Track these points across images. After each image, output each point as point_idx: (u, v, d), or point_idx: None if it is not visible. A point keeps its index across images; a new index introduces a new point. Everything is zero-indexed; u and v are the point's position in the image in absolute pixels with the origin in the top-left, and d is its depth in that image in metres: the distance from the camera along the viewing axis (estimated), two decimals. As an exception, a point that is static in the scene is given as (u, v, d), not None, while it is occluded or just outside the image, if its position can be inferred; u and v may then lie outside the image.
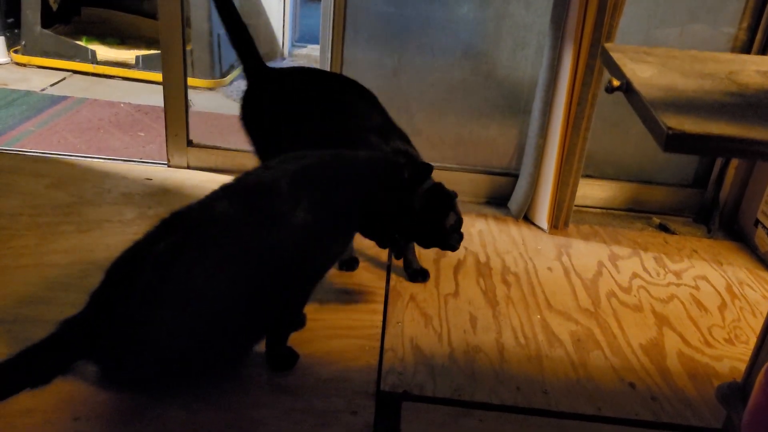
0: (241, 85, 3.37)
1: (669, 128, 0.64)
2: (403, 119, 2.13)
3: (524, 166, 2.05)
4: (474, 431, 1.23)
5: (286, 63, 3.82)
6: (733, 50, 2.02)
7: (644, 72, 0.82)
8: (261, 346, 1.32)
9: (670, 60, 0.89)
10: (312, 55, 3.94)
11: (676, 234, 2.08)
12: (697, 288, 1.78)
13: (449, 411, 1.27)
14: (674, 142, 0.64)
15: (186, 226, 1.20)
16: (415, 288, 1.65)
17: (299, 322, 1.44)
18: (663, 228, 2.11)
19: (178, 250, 1.16)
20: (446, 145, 2.21)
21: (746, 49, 2.00)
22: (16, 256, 1.59)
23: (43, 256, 1.61)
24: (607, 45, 0.95)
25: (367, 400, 1.28)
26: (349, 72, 2.08)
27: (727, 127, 0.65)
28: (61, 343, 1.18)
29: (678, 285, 1.79)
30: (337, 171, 1.29)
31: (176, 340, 1.17)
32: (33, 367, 1.17)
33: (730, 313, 1.68)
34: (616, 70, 0.85)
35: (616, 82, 0.83)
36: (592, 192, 2.20)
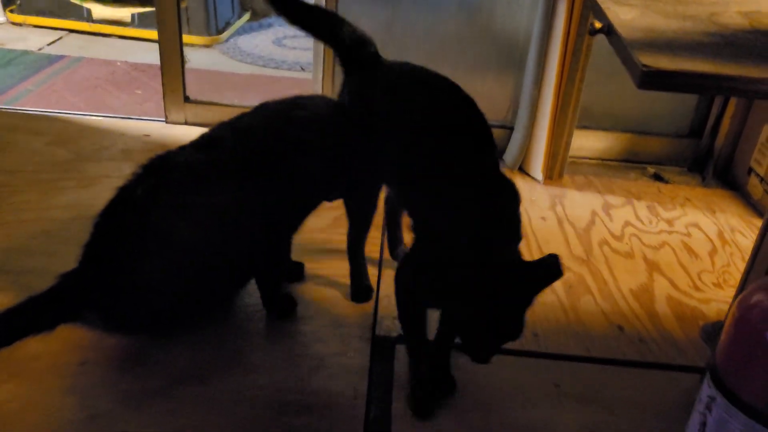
0: (238, 41, 3.37)
1: (644, 65, 0.66)
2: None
3: (519, 118, 2.07)
4: (464, 371, 1.27)
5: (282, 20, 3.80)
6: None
7: (626, 14, 0.84)
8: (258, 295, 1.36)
9: (653, 3, 0.90)
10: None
11: (670, 183, 2.11)
12: (688, 235, 1.81)
13: (442, 353, 1.31)
14: (648, 78, 0.66)
15: (162, 170, 1.22)
16: (410, 236, 1.68)
17: (296, 271, 1.48)
18: (657, 177, 2.13)
19: (155, 193, 1.19)
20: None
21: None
22: (19, 211, 1.63)
23: (45, 211, 1.64)
24: (592, -12, 0.96)
25: (362, 344, 1.32)
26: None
27: (702, 64, 0.67)
28: (61, 295, 1.22)
29: (670, 232, 1.82)
30: (301, 118, 1.29)
31: (159, 281, 1.20)
32: (36, 315, 1.21)
33: (720, 259, 1.71)
34: (599, 13, 0.87)
35: (598, 25, 0.85)
36: (587, 143, 2.22)
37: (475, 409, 1.19)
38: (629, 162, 2.22)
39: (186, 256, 1.20)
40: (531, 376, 1.28)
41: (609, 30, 0.81)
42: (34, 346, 1.21)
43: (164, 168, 1.21)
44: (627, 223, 1.84)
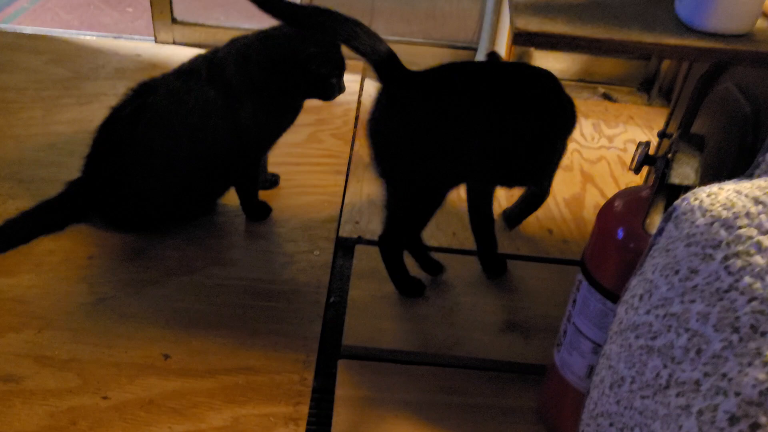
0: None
1: (516, 28, 0.86)
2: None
3: (481, 40, 2.24)
4: (412, 268, 1.51)
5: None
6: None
7: (524, -25, 1.03)
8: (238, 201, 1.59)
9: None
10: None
11: (618, 102, 2.31)
12: (624, 150, 2.03)
13: (394, 251, 1.55)
14: (519, 39, 0.86)
15: (146, 93, 1.43)
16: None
17: (272, 181, 1.70)
18: (606, 97, 2.33)
19: (140, 112, 1.41)
20: (416, 20, 2.38)
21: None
22: (26, 126, 1.83)
23: (50, 126, 1.84)
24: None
25: (327, 243, 1.56)
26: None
27: (561, 26, 0.87)
28: (68, 200, 1.47)
29: (608, 148, 2.03)
30: (261, 48, 1.42)
31: (144, 186, 1.44)
32: (48, 217, 1.46)
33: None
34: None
35: (499, -16, 1.03)
36: (546, 63, 2.39)
37: (417, 296, 1.44)
38: (584, 82, 2.41)
39: (167, 165, 1.42)
40: (463, 270, 1.52)
41: (507, -10, 0.99)
42: (48, 243, 1.45)
43: (148, 92, 1.42)
44: (571, 139, 2.04)
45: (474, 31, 2.38)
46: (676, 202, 0.74)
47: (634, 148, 1.80)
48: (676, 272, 0.68)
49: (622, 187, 1.86)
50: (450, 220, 1.66)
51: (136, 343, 1.27)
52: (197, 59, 1.47)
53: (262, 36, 1.45)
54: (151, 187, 1.44)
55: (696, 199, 0.71)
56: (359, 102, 2.11)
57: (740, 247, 0.62)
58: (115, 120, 1.43)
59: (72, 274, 1.40)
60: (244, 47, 1.44)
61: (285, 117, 1.51)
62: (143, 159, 1.42)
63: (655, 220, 0.87)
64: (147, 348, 1.26)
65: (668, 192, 0.87)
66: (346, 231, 1.60)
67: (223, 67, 1.41)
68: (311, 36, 1.40)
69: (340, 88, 1.46)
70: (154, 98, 1.41)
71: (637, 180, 1.89)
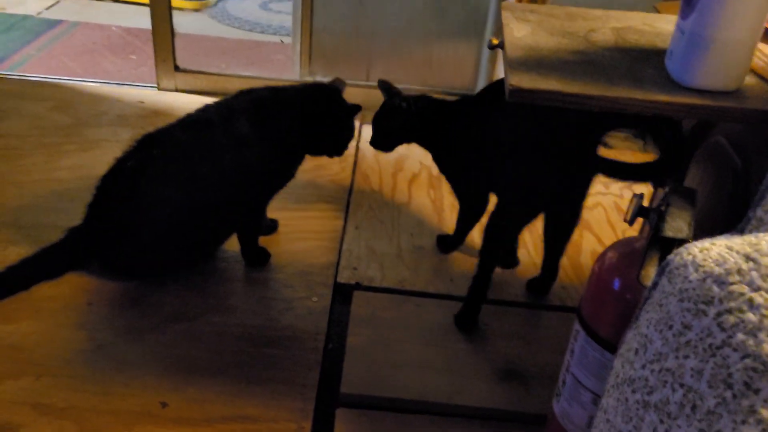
0: (227, 5, 3.54)
1: (510, 84, 0.88)
2: (369, 43, 2.35)
3: (478, 88, 2.28)
4: (411, 313, 1.52)
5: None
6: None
7: (520, 31, 1.05)
8: (238, 248, 1.60)
9: (547, 19, 1.11)
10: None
11: (614, 148, 2.33)
12: (621, 197, 2.05)
13: (392, 298, 1.56)
14: (514, 95, 0.88)
15: (151, 145, 1.45)
16: (373, 198, 1.91)
17: (270, 227, 1.71)
18: (603, 143, 2.35)
19: (143, 166, 1.42)
20: (413, 67, 2.42)
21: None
22: (28, 172, 1.85)
23: (52, 172, 1.86)
24: (503, 3, 1.17)
25: (326, 289, 1.56)
26: (319, 1, 2.28)
27: (554, 83, 0.89)
28: (68, 246, 1.48)
29: (604, 194, 2.05)
30: (273, 103, 1.51)
31: (146, 237, 1.45)
32: (48, 263, 1.46)
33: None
34: (501, 29, 1.08)
35: (495, 41, 1.06)
36: (542, 111, 2.43)
37: (416, 340, 1.44)
38: (580, 128, 2.43)
39: (169, 217, 1.43)
40: (464, 317, 1.52)
41: (502, 46, 1.02)
42: (48, 289, 1.45)
43: (153, 144, 1.44)
44: (568, 186, 2.07)
45: (470, 79, 2.42)
46: (669, 257, 0.75)
47: (630, 194, 1.82)
48: (670, 327, 0.69)
49: (619, 233, 1.88)
50: (448, 267, 1.67)
51: (134, 391, 1.27)
52: (207, 109, 1.49)
53: (280, 91, 1.53)
54: (157, 237, 1.45)
55: (689, 254, 0.72)
56: (357, 148, 2.14)
57: (732, 304, 0.63)
58: (120, 171, 1.44)
59: (71, 321, 1.41)
60: (263, 99, 1.50)
61: (294, 165, 1.56)
62: (149, 210, 1.43)
63: (649, 273, 0.88)
64: (145, 396, 1.26)
65: (662, 244, 0.89)
66: (344, 277, 1.61)
67: (239, 118, 1.45)
68: (330, 94, 1.55)
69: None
70: (159, 150, 1.43)
71: (634, 228, 1.90)
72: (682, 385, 0.65)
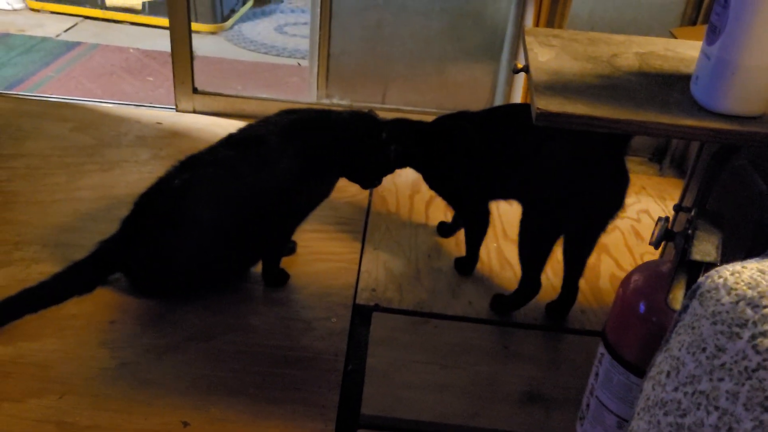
0: (242, 28, 3.58)
1: (538, 108, 0.89)
2: (385, 66, 2.37)
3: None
4: (430, 335, 1.52)
5: (284, 6, 4.01)
6: None
7: (544, 56, 1.07)
8: (258, 268, 1.61)
9: (570, 43, 1.13)
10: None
11: (630, 172, 2.34)
12: (638, 220, 2.05)
13: (411, 320, 1.56)
14: (541, 118, 0.89)
15: (195, 166, 1.47)
16: (391, 220, 1.92)
17: (290, 249, 1.72)
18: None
19: (188, 185, 1.44)
20: (428, 90, 2.45)
21: None
22: (51, 192, 1.87)
23: (73, 191, 1.88)
24: (526, 29, 1.19)
25: (344, 310, 1.57)
26: (337, 25, 2.31)
27: (581, 107, 0.90)
28: (100, 259, 1.50)
29: (622, 218, 2.05)
30: (319, 125, 1.54)
31: (185, 256, 1.47)
32: (78, 278, 1.48)
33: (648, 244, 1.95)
34: (525, 53, 1.10)
35: (519, 65, 1.08)
36: (557, 134, 2.45)
37: (435, 362, 1.44)
38: (595, 152, 2.44)
39: (208, 238, 1.45)
40: (481, 339, 1.53)
41: (527, 70, 1.04)
42: (71, 307, 1.47)
43: (196, 164, 1.45)
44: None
45: (486, 101, 2.44)
46: (700, 280, 0.75)
47: (647, 218, 1.83)
48: (703, 350, 0.69)
49: (637, 256, 1.88)
50: (466, 289, 1.67)
51: (156, 410, 1.27)
52: (250, 129, 1.52)
53: (323, 113, 1.57)
54: (188, 255, 1.47)
55: (720, 277, 0.73)
56: (375, 170, 2.15)
57: (767, 327, 0.64)
58: (163, 190, 1.46)
59: (94, 339, 1.42)
60: (305, 120, 1.53)
61: (331, 184, 1.59)
62: (186, 229, 1.44)
63: (677, 296, 0.89)
64: (167, 415, 1.26)
65: (690, 268, 0.89)
66: (362, 298, 1.62)
67: (283, 137, 1.47)
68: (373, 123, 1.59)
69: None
70: (204, 170, 1.45)
71: (652, 250, 1.91)
72: (717, 408, 0.65)
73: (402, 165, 1.63)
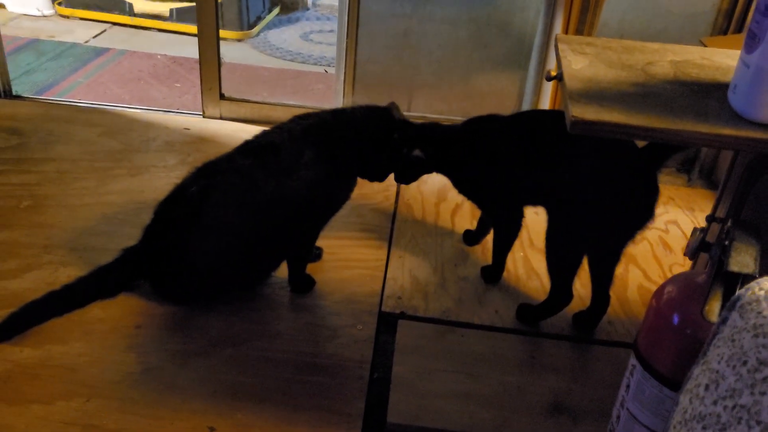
0: (268, 36, 3.60)
1: (573, 116, 0.88)
2: (412, 74, 2.37)
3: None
4: (456, 344, 1.51)
5: (310, 13, 4.03)
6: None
7: (578, 64, 1.06)
8: (284, 273, 1.61)
9: (604, 51, 1.12)
10: (335, 5, 4.12)
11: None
12: (666, 231, 2.03)
13: (437, 328, 1.55)
14: (577, 126, 0.88)
15: (213, 173, 1.48)
16: (416, 228, 1.91)
17: (315, 255, 1.72)
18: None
19: (206, 192, 1.44)
20: (454, 99, 2.44)
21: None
22: (80, 196, 1.89)
23: (102, 196, 1.90)
24: (558, 36, 1.17)
25: (370, 318, 1.56)
26: (364, 33, 2.31)
27: (618, 115, 0.89)
28: (123, 266, 1.50)
29: (650, 229, 2.02)
30: (334, 128, 1.53)
31: (205, 262, 1.47)
32: (103, 283, 1.49)
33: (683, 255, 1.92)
34: (558, 61, 1.09)
35: (553, 72, 1.07)
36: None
37: (462, 371, 1.43)
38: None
39: (228, 243, 1.45)
40: (508, 348, 1.51)
41: (561, 77, 1.03)
42: (98, 311, 1.48)
43: (214, 171, 1.46)
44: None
45: (512, 110, 2.43)
46: (740, 292, 0.74)
47: (676, 229, 1.81)
48: (744, 363, 0.68)
49: (665, 267, 1.85)
50: (493, 298, 1.66)
51: (182, 415, 1.27)
52: (265, 135, 1.52)
53: (336, 113, 1.57)
54: (209, 261, 1.47)
55: (761, 289, 0.71)
56: (400, 178, 2.15)
57: (812, 341, 0.62)
58: (181, 197, 1.47)
59: (120, 343, 1.42)
60: (320, 123, 1.52)
61: (351, 186, 1.59)
62: (210, 235, 1.45)
63: (714, 308, 0.87)
64: (193, 420, 1.26)
65: (726, 279, 0.88)
66: (388, 306, 1.61)
67: (298, 142, 1.47)
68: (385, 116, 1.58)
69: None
70: (222, 177, 1.45)
71: (680, 261, 1.88)
72: (759, 423, 0.64)
73: (429, 170, 1.62)
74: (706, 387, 0.73)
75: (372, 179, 1.60)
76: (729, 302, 0.75)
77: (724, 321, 0.76)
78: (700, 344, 0.91)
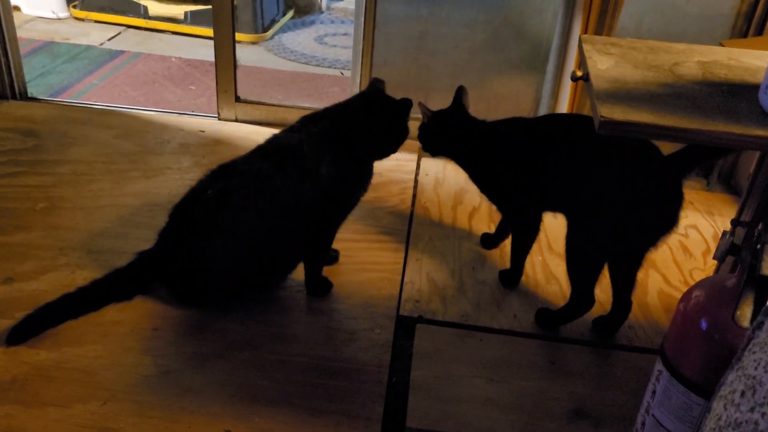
0: (282, 39, 3.60)
1: (601, 116, 0.86)
2: (429, 77, 2.36)
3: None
4: (474, 348, 1.49)
5: (324, 17, 4.02)
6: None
7: (603, 64, 1.04)
8: (301, 276, 1.59)
9: (629, 51, 1.10)
10: (349, 9, 4.13)
11: (676, 186, 2.29)
12: (686, 236, 2.00)
13: (455, 332, 1.54)
14: (605, 126, 0.86)
15: (230, 175, 1.46)
16: (434, 231, 1.90)
17: (332, 257, 1.71)
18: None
19: (223, 195, 1.43)
20: (469, 101, 2.41)
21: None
22: (96, 198, 1.88)
23: (118, 198, 1.90)
24: (583, 36, 1.16)
25: (388, 321, 1.55)
26: (380, 35, 2.30)
27: (647, 116, 0.87)
28: (138, 269, 1.49)
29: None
30: (346, 121, 1.54)
31: (222, 266, 1.45)
32: (118, 286, 1.48)
33: (711, 258, 1.90)
34: (582, 61, 1.07)
35: (579, 73, 1.05)
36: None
37: (481, 376, 1.41)
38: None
39: (246, 246, 1.44)
40: (527, 353, 1.49)
41: (587, 78, 1.01)
42: (115, 314, 1.47)
43: (230, 174, 1.45)
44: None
45: (529, 113, 2.41)
46: (776, 296, 0.72)
47: (695, 233, 1.78)
48: (783, 369, 0.66)
49: (685, 272, 1.83)
50: (511, 302, 1.64)
51: (199, 419, 1.26)
52: (278, 137, 1.52)
53: (339, 107, 1.58)
54: (226, 264, 1.46)
55: (799, 293, 0.69)
56: (416, 181, 2.13)
57: None
58: (195, 200, 1.46)
59: (137, 346, 1.41)
60: (327, 118, 1.53)
61: (368, 176, 1.59)
62: (228, 238, 1.43)
63: (746, 312, 0.85)
64: (210, 424, 1.25)
65: (759, 283, 0.86)
66: (406, 309, 1.60)
67: (311, 141, 1.47)
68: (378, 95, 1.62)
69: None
70: (239, 180, 1.44)
71: (701, 265, 1.86)
72: (800, 431, 0.62)
73: (449, 148, 1.64)
74: (742, 393, 0.71)
75: (388, 155, 1.62)
76: (765, 307, 0.73)
77: (759, 326, 0.74)
78: (729, 349, 0.89)
